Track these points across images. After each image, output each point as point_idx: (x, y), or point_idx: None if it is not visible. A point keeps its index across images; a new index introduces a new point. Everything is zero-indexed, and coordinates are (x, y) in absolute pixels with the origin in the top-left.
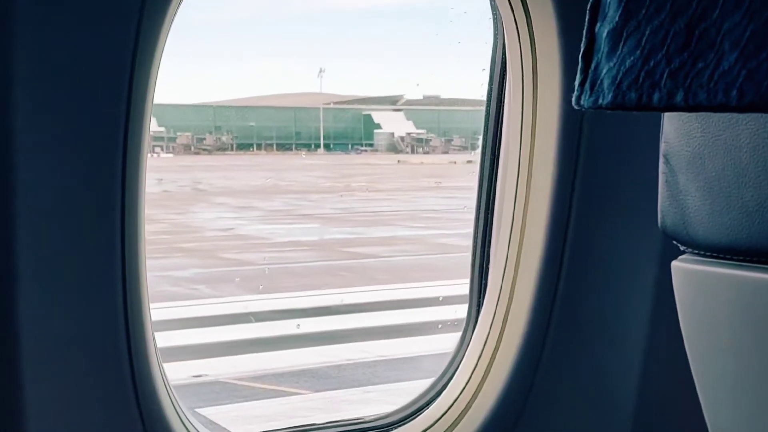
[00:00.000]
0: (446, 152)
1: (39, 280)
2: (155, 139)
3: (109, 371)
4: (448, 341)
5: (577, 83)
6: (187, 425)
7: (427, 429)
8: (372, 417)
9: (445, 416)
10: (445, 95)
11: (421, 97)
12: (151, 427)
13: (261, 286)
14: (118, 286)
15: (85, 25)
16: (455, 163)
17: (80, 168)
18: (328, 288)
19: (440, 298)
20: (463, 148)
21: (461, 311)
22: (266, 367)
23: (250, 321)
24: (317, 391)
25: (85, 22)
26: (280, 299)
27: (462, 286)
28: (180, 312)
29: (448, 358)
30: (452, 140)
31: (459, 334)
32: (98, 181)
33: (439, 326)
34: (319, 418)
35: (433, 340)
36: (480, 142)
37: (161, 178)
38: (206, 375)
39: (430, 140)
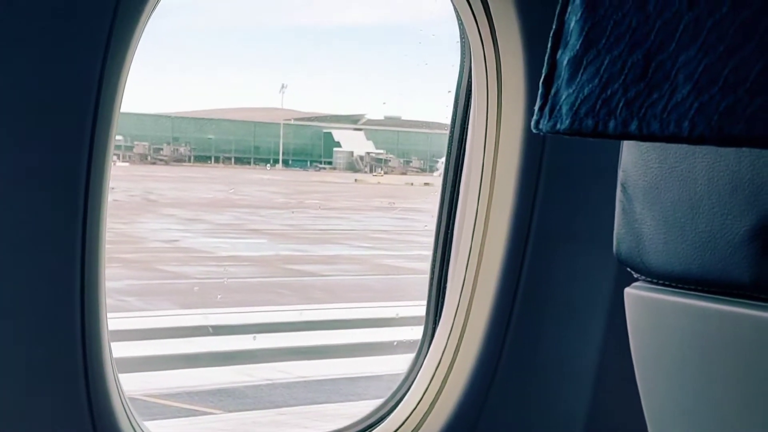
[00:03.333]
0: (404, 173)
1: None
2: None
3: (63, 380)
4: (372, 364)
5: (537, 108)
6: None
7: None
8: (325, 431)
9: None
10: (406, 117)
11: (383, 118)
12: None
13: (192, 301)
14: (76, 296)
15: (54, 33)
16: (412, 184)
17: (43, 175)
18: (260, 305)
19: (372, 320)
20: (422, 170)
21: (392, 334)
22: (183, 384)
23: (174, 336)
24: (230, 411)
25: (55, 28)
26: (209, 315)
27: (397, 309)
28: None
29: (370, 382)
30: (411, 162)
31: (385, 357)
32: (61, 189)
33: (365, 349)
34: None
35: (356, 363)
36: (439, 165)
37: (113, 186)
38: None
39: (389, 161)
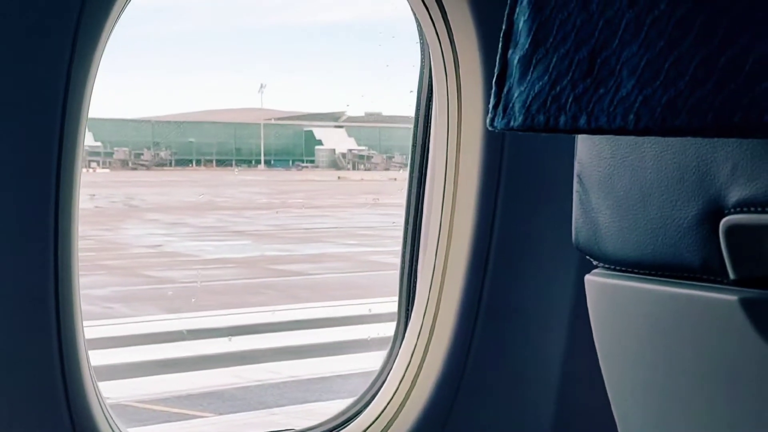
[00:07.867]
0: (387, 169)
1: None
2: (92, 154)
3: (41, 389)
4: (362, 361)
5: (491, 106)
6: None
7: None
8: (300, 428)
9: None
10: (386, 113)
11: (363, 114)
12: None
13: (177, 306)
14: (50, 304)
15: (19, 35)
16: (396, 179)
17: (10, 182)
18: (246, 307)
19: (357, 317)
20: (404, 165)
21: (378, 330)
22: (173, 388)
23: (160, 341)
24: (221, 413)
25: (20, 30)
26: (195, 318)
27: (382, 305)
28: (89, 332)
29: (360, 378)
30: (393, 157)
31: (372, 353)
32: (29, 197)
33: (355, 346)
34: None
35: (346, 360)
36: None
37: (94, 193)
38: (108, 398)
39: (372, 157)
